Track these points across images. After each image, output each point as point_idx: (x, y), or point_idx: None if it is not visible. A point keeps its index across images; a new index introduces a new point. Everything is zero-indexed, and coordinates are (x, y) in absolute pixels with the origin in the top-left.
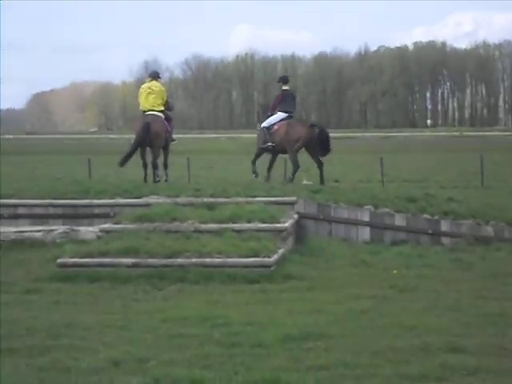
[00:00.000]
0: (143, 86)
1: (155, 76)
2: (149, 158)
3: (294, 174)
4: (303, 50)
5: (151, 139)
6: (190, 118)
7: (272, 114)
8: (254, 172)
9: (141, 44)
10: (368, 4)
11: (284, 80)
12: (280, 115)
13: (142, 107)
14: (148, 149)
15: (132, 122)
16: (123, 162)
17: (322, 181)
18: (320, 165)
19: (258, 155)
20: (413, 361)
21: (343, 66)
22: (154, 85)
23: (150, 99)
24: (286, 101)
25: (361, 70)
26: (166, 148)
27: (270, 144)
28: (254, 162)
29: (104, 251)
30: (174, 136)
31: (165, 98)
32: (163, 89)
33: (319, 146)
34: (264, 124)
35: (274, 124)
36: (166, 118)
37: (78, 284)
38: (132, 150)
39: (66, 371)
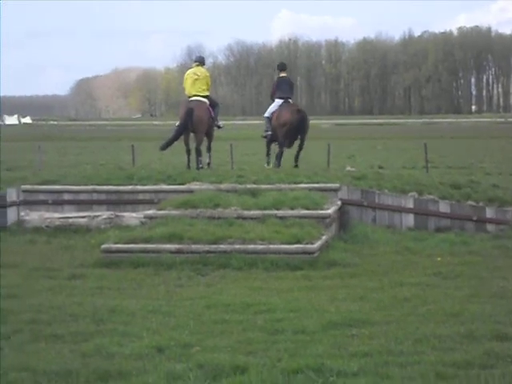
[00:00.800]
0: (188, 71)
1: (200, 61)
2: (192, 145)
3: (278, 160)
4: (346, 35)
5: (194, 125)
6: (233, 104)
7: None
8: (267, 162)
9: (184, 29)
10: None
11: (281, 67)
12: (277, 102)
13: (187, 92)
14: (192, 135)
15: (175, 107)
16: (165, 146)
17: (296, 161)
18: (300, 148)
19: (267, 146)
20: (457, 348)
21: (387, 52)
22: (200, 70)
23: (196, 84)
24: (281, 87)
25: (405, 56)
26: (209, 134)
27: (268, 133)
28: (267, 154)
29: (148, 237)
30: (221, 123)
31: (209, 84)
32: (208, 74)
33: (298, 130)
34: (265, 114)
35: (274, 112)
36: (210, 104)
37: (122, 270)
38: (175, 135)
39: (109, 357)
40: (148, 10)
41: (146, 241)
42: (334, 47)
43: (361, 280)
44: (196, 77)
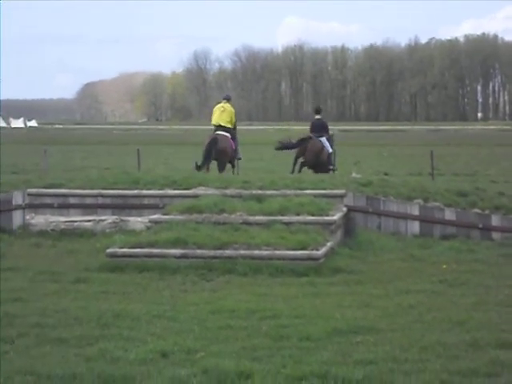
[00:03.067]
0: (218, 105)
1: (228, 99)
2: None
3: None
4: (353, 41)
5: (217, 154)
6: (239, 110)
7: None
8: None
9: (191, 34)
10: None
11: (317, 110)
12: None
13: (214, 122)
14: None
15: (181, 112)
16: (198, 169)
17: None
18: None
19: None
20: (462, 356)
21: (393, 58)
22: (226, 105)
23: (222, 116)
24: (315, 128)
25: (411, 63)
26: (232, 162)
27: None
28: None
29: (153, 242)
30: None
31: (234, 119)
32: (233, 110)
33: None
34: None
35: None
36: (232, 137)
37: (127, 274)
38: (203, 162)
39: (114, 361)
40: (155, 15)
41: (151, 245)
42: (341, 53)
43: (366, 287)
44: (223, 109)
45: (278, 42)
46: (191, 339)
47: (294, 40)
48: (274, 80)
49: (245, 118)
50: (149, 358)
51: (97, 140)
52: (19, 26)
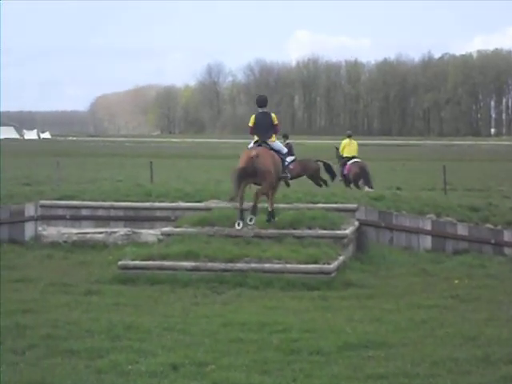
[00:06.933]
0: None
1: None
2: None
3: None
4: (365, 56)
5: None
6: None
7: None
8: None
9: (204, 48)
10: (432, 12)
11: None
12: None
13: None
14: None
15: (193, 125)
16: None
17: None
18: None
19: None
20: (474, 372)
21: (407, 73)
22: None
23: None
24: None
25: (424, 78)
26: None
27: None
28: None
29: (164, 254)
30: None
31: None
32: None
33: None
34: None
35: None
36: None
37: (139, 286)
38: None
39: (125, 374)
40: (169, 28)
41: (163, 258)
42: (354, 68)
43: (377, 301)
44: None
45: (289, 55)
46: (202, 352)
47: (305, 54)
48: (287, 94)
49: None
50: (159, 371)
51: (110, 152)
52: (33, 37)
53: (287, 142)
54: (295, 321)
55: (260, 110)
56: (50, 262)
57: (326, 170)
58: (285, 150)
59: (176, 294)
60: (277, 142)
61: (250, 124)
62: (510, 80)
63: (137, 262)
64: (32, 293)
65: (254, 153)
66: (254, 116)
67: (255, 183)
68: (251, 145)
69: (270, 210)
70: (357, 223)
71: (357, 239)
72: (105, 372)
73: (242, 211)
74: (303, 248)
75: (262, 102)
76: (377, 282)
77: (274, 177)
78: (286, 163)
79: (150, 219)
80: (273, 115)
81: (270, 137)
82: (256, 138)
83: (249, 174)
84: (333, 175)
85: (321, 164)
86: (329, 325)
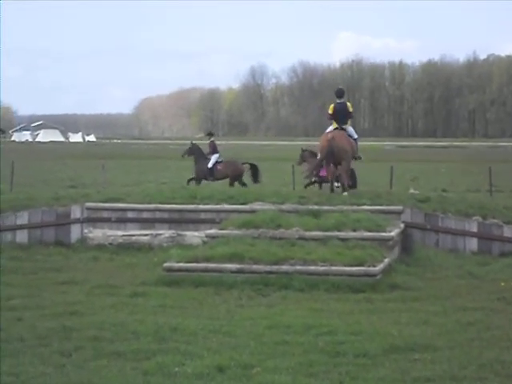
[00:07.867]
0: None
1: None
2: None
3: None
4: (410, 57)
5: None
6: (296, 125)
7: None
8: None
9: (247, 50)
10: (477, 13)
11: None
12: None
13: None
14: None
15: (237, 127)
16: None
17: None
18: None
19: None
20: None
21: (451, 74)
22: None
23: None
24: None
25: (469, 79)
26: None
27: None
28: None
29: (209, 256)
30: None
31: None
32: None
33: None
34: None
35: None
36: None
37: (184, 288)
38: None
39: (171, 376)
40: (212, 30)
41: (208, 260)
42: (398, 69)
43: (423, 304)
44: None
45: (332, 57)
46: (247, 354)
47: (349, 55)
48: (331, 96)
49: (301, 134)
50: (205, 373)
51: (154, 155)
52: (78, 39)
53: (211, 139)
54: (340, 323)
55: (338, 101)
56: (95, 264)
57: (251, 173)
58: (356, 136)
59: (221, 296)
60: (350, 128)
61: (330, 111)
62: None
63: (182, 264)
64: (78, 295)
65: (330, 135)
66: (332, 105)
67: (334, 163)
68: (330, 128)
69: (345, 185)
70: (402, 225)
71: (402, 241)
72: (151, 374)
73: (332, 183)
74: (348, 250)
75: (340, 93)
76: (422, 285)
77: (350, 156)
78: (214, 162)
79: (194, 221)
80: (348, 104)
81: (345, 123)
82: (335, 124)
83: (329, 153)
84: (256, 178)
85: (247, 166)
86: (374, 327)
